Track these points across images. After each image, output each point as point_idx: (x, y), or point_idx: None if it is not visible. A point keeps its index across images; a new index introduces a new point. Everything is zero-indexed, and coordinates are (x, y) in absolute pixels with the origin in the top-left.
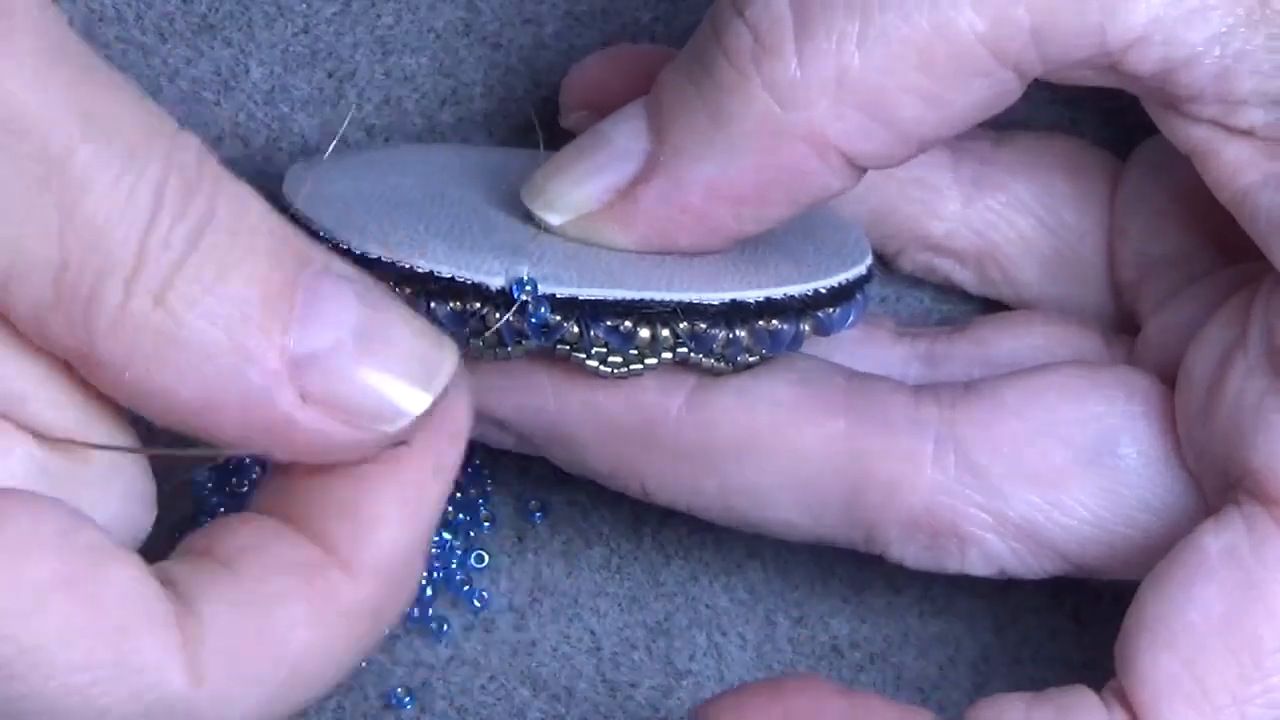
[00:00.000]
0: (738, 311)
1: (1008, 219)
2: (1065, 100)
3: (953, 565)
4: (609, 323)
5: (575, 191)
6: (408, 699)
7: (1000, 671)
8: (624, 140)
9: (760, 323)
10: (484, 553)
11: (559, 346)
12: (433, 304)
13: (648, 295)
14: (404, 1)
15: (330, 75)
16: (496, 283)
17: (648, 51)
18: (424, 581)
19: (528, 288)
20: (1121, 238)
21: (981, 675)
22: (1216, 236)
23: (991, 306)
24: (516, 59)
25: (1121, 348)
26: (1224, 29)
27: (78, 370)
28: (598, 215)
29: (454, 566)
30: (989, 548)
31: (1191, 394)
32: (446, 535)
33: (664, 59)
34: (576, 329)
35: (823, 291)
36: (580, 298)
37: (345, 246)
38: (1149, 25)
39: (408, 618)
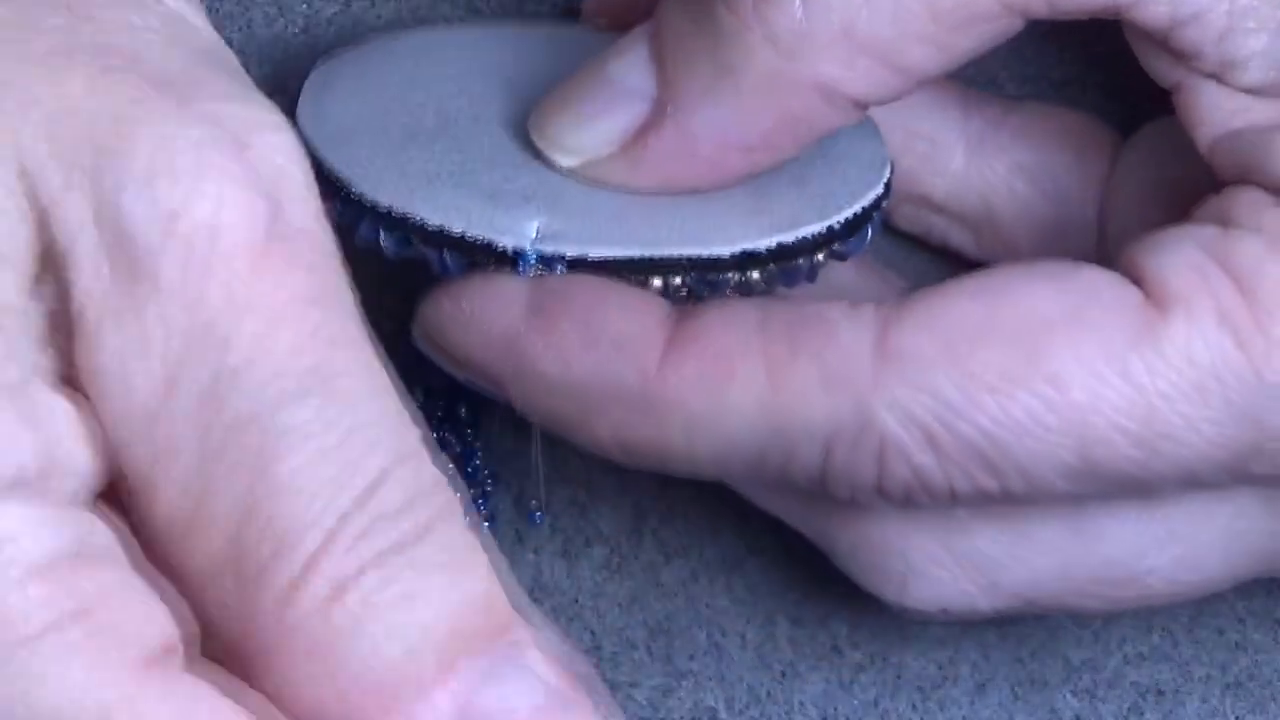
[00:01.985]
0: (751, 259)
1: (1009, 184)
2: (1071, 79)
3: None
4: (623, 277)
5: (582, 135)
6: None
7: (1000, 671)
8: (629, 79)
9: (773, 265)
10: None
11: None
12: (445, 255)
13: (659, 253)
14: (404, 2)
15: None
16: (507, 243)
17: None
18: None
19: (538, 250)
20: (1114, 215)
21: (982, 675)
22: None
23: None
24: None
25: None
26: None
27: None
28: (607, 160)
29: None
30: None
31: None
32: None
33: None
34: None
35: (837, 227)
36: (591, 257)
37: (357, 195)
38: None
39: None
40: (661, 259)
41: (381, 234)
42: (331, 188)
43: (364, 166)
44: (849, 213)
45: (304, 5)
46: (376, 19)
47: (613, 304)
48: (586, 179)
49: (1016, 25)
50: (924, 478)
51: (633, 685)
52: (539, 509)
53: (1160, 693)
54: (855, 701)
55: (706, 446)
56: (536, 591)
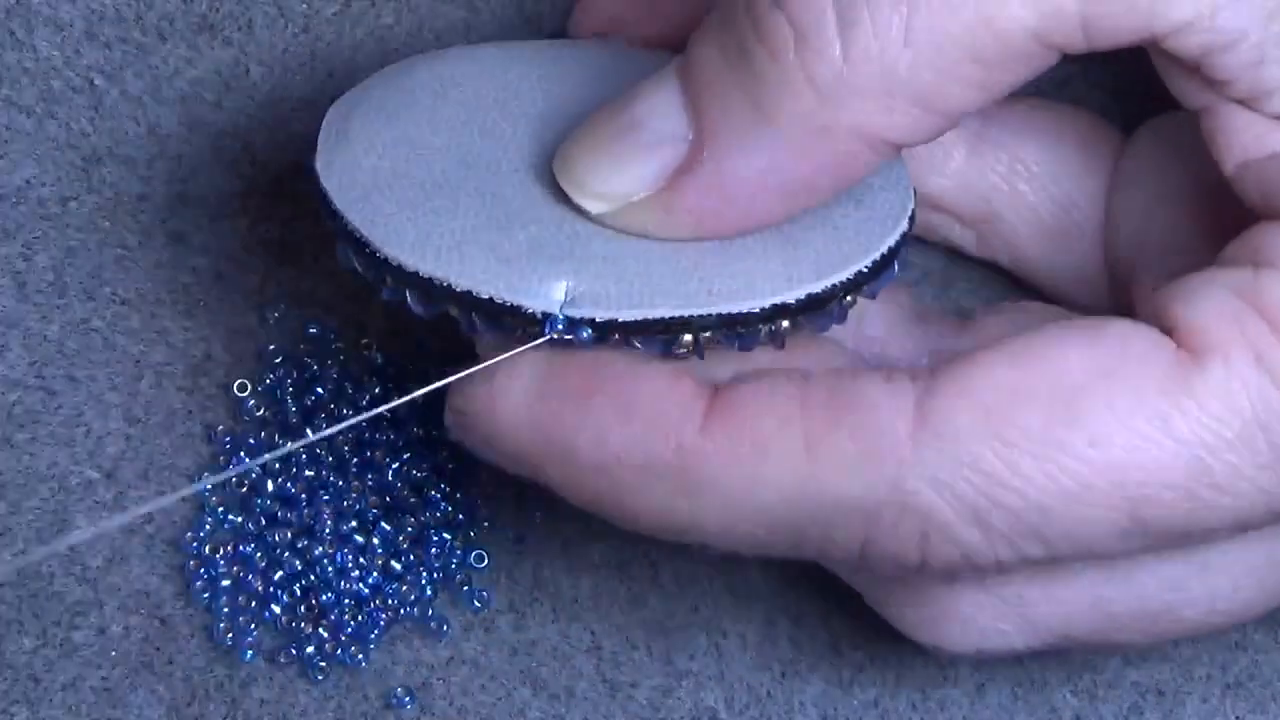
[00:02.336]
0: (780, 310)
1: (1009, 181)
2: (1072, 76)
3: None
4: (652, 336)
5: (613, 180)
6: (408, 699)
7: (1000, 671)
8: (660, 122)
9: (803, 314)
10: (484, 553)
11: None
12: (473, 316)
13: (689, 312)
14: (404, 1)
15: (330, 75)
16: (536, 306)
17: None
18: (424, 581)
19: (565, 318)
20: (1117, 214)
21: (982, 675)
22: (1212, 224)
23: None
24: None
25: None
26: (1264, 14)
27: None
28: (638, 205)
29: (454, 566)
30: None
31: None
32: (446, 535)
33: None
34: (618, 339)
35: (865, 271)
36: (621, 320)
37: (383, 256)
38: (1195, 13)
39: (407, 618)
40: (693, 317)
41: (408, 295)
42: (356, 245)
43: (388, 224)
44: (876, 255)
45: (304, 5)
46: (376, 18)
47: (646, 377)
48: (616, 225)
49: (1053, 59)
50: (970, 553)
51: (633, 685)
52: None
53: (1160, 693)
54: (855, 701)
55: (744, 523)
56: (536, 591)
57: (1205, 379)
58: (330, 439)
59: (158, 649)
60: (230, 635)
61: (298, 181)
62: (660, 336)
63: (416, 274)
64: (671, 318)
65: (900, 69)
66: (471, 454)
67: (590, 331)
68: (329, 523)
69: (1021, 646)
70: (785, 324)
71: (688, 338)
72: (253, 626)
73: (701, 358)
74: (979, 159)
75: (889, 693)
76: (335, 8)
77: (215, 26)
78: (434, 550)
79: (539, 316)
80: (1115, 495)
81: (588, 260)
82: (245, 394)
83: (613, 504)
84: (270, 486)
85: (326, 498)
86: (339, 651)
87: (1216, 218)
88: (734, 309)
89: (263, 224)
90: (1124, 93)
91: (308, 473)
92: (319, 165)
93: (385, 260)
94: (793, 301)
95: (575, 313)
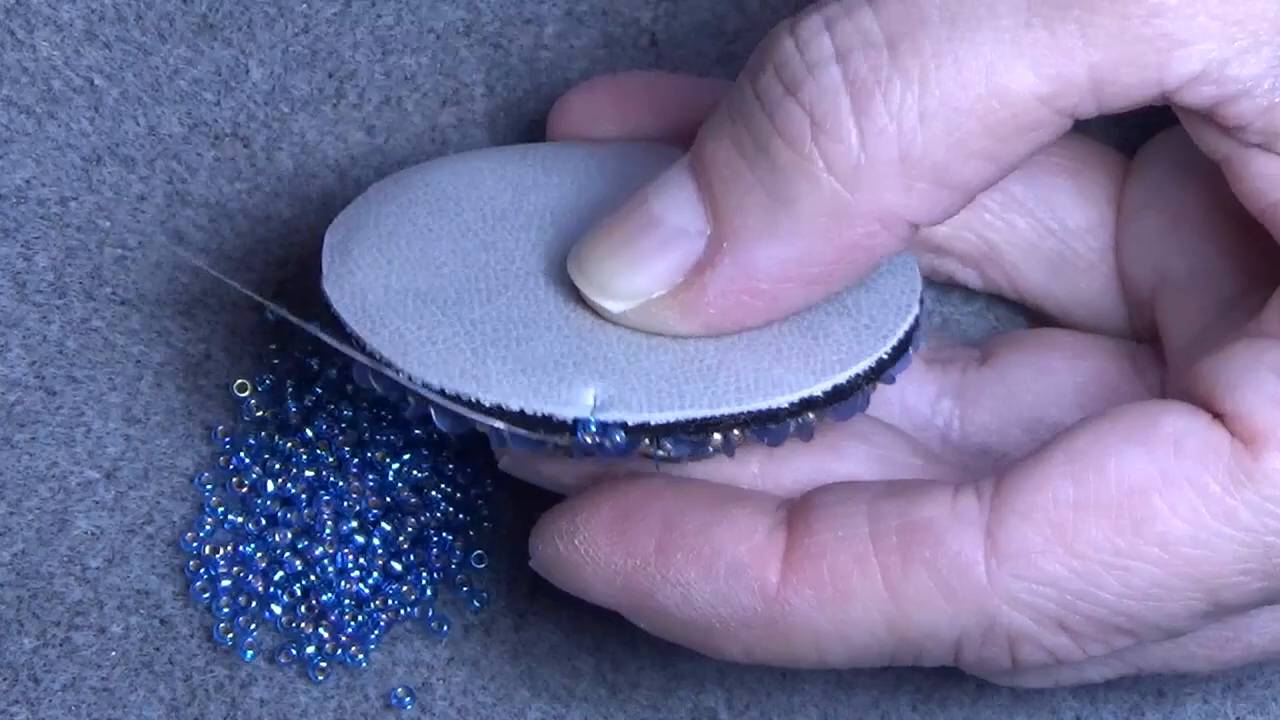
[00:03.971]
0: (808, 404)
1: (1006, 220)
2: None
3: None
4: (682, 437)
5: (632, 279)
6: (408, 699)
7: None
8: (676, 219)
9: (830, 408)
10: (484, 553)
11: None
12: (503, 431)
13: (719, 412)
14: (404, 1)
15: (330, 75)
16: (567, 414)
17: (632, 79)
18: (424, 582)
19: (597, 423)
20: (1131, 244)
21: None
22: (1239, 248)
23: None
24: (517, 59)
25: (1148, 370)
26: (1275, 63)
27: None
28: (658, 303)
29: (454, 566)
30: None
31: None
32: (447, 535)
33: (648, 85)
34: (649, 444)
35: (886, 356)
36: (653, 424)
37: (406, 376)
38: (1204, 68)
39: (407, 618)
40: (723, 417)
41: (433, 413)
42: (376, 368)
43: (408, 345)
44: (895, 340)
45: (304, 5)
46: (376, 18)
47: (721, 524)
48: (637, 324)
49: (1066, 125)
50: (1059, 654)
51: (633, 685)
52: None
53: (1160, 693)
54: (855, 701)
55: (836, 656)
56: (538, 592)
57: (1263, 469)
58: (330, 439)
59: (158, 649)
60: (230, 635)
61: (297, 181)
62: (690, 437)
63: (443, 392)
64: (703, 419)
65: (916, 148)
66: (472, 455)
67: (623, 435)
68: (329, 523)
69: (1096, 678)
70: (812, 416)
71: (717, 437)
72: (253, 626)
73: (731, 455)
74: (974, 201)
75: (889, 693)
76: (335, 8)
77: (215, 26)
78: (434, 550)
79: (570, 424)
80: (1192, 588)
81: (611, 364)
82: (245, 394)
83: (706, 646)
84: (270, 487)
85: (327, 498)
86: (339, 651)
87: (1237, 235)
88: (763, 406)
89: (263, 224)
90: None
91: (308, 473)
92: (328, 289)
93: (410, 380)
94: (820, 394)
95: (607, 418)
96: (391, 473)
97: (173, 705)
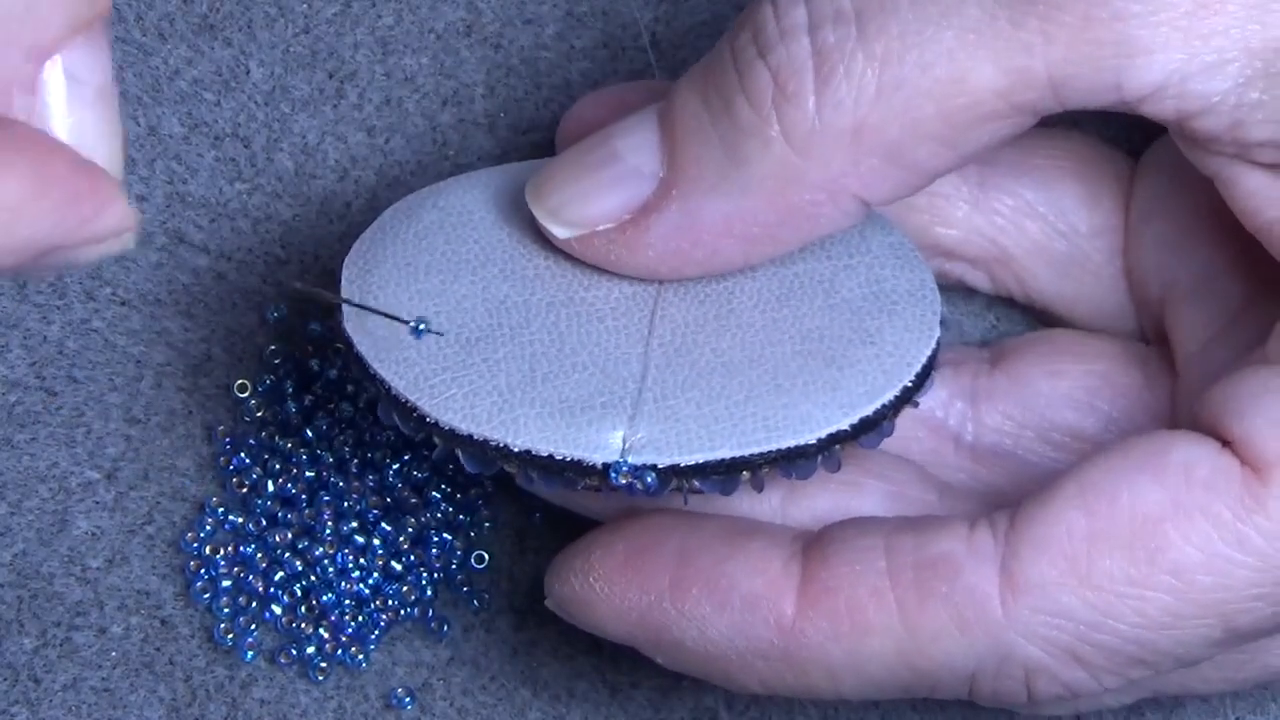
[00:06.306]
0: (835, 438)
1: (1016, 223)
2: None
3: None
4: (713, 477)
5: (583, 208)
6: (408, 699)
7: None
8: (634, 158)
9: (856, 438)
10: (484, 553)
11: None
12: (532, 473)
13: (749, 451)
14: (404, 2)
15: (330, 75)
16: (598, 459)
17: (638, 89)
18: (424, 582)
19: (630, 466)
20: (1139, 250)
21: None
22: (1246, 256)
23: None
24: (517, 59)
25: (1158, 372)
26: (1241, 81)
27: None
28: (605, 235)
29: (454, 566)
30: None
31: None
32: (447, 535)
33: (654, 95)
34: (681, 483)
35: (911, 384)
36: (683, 465)
37: (432, 420)
38: (1164, 79)
39: (408, 618)
40: (753, 456)
41: (460, 455)
42: (401, 410)
43: (433, 388)
44: (918, 367)
45: (304, 5)
46: (376, 18)
47: (736, 558)
48: (581, 252)
49: (1028, 121)
50: (1075, 688)
51: (633, 685)
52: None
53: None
54: (855, 702)
55: (851, 688)
56: (537, 592)
57: (1272, 493)
58: (330, 439)
59: (158, 649)
60: (230, 635)
61: (298, 182)
62: (720, 476)
63: (470, 437)
64: (733, 458)
65: (870, 122)
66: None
67: (654, 477)
68: (329, 523)
69: (1114, 704)
70: (839, 448)
71: (747, 475)
72: (253, 627)
73: (760, 490)
74: (983, 206)
75: None
76: (335, 8)
77: (215, 26)
78: (434, 551)
79: (601, 468)
80: (1206, 615)
81: (639, 405)
82: (245, 394)
83: (722, 679)
84: (270, 487)
85: (327, 498)
86: (339, 652)
87: (1243, 242)
88: (792, 444)
89: (263, 224)
90: (1125, 117)
91: (308, 473)
92: (350, 330)
93: (436, 425)
94: (848, 428)
95: (637, 460)
96: (391, 473)
97: (173, 705)
